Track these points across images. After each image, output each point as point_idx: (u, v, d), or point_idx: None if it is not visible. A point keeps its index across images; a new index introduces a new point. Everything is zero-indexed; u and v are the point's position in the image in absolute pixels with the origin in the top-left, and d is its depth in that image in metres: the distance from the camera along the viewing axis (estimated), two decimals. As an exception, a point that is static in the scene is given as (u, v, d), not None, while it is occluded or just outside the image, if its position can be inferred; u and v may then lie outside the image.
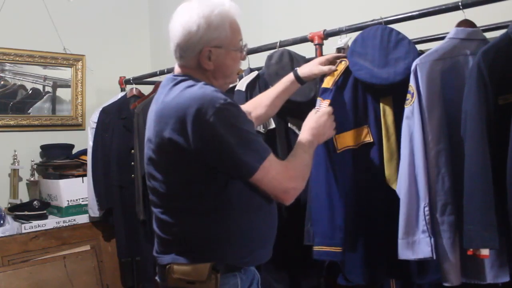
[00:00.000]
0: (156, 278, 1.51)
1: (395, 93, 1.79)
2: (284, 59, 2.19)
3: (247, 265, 1.46)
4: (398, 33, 1.80)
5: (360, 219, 1.86)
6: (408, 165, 1.65)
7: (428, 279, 1.76)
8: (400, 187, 1.69)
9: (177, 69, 1.49)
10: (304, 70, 1.87)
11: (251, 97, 2.20)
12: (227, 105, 1.32)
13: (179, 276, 1.38)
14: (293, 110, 2.15)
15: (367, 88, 1.84)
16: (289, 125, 2.21)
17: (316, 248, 1.84)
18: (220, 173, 1.36)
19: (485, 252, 1.50)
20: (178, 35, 1.40)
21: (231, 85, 1.75)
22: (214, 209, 1.38)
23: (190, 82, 1.38)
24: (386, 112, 1.81)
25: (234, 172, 1.36)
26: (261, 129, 2.17)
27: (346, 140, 1.86)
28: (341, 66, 1.89)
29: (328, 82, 1.88)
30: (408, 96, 1.66)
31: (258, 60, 2.35)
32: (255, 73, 2.31)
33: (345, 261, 1.88)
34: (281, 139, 2.18)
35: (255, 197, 1.42)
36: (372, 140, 1.85)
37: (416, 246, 1.64)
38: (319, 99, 1.87)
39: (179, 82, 1.40)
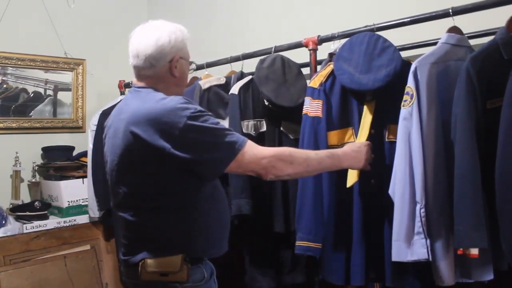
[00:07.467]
0: (123, 278, 1.59)
1: (379, 98, 1.81)
2: (276, 64, 2.19)
3: (212, 256, 1.56)
4: (385, 40, 1.81)
5: (341, 220, 1.88)
6: (405, 167, 1.65)
7: (411, 284, 1.76)
8: (395, 188, 1.68)
9: (139, 82, 1.58)
10: None
11: (244, 100, 2.23)
12: (198, 112, 1.42)
13: (153, 269, 1.45)
14: (286, 114, 2.19)
15: (352, 92, 1.86)
16: (281, 128, 2.23)
17: (298, 243, 1.86)
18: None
19: (474, 251, 1.53)
20: (151, 45, 1.52)
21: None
22: (191, 205, 1.48)
23: (161, 94, 1.49)
24: (367, 115, 1.82)
25: (213, 167, 1.46)
26: (252, 131, 2.20)
27: (331, 139, 1.88)
28: (328, 69, 1.91)
29: (315, 83, 1.91)
30: (406, 97, 1.65)
31: (253, 66, 2.31)
32: (248, 77, 2.32)
33: (324, 262, 1.90)
34: (270, 142, 2.18)
35: (217, 190, 1.56)
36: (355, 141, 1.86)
37: (411, 248, 1.63)
38: (308, 99, 1.90)
39: (149, 93, 1.51)
